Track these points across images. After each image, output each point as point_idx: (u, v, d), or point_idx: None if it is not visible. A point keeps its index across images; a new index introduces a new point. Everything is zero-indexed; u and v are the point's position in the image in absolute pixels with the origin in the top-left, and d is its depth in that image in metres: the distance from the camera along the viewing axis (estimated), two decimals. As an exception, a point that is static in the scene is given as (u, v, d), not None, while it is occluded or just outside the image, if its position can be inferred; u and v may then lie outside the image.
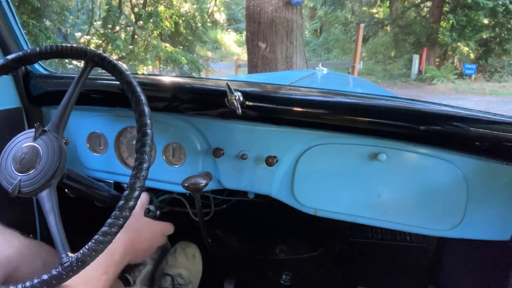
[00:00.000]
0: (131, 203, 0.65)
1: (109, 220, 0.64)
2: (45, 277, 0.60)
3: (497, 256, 0.91)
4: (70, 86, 0.77)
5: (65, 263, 0.61)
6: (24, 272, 0.80)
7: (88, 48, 0.79)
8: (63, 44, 0.80)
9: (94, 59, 0.77)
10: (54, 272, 0.60)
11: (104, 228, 0.63)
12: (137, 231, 0.87)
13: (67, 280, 0.60)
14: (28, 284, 0.59)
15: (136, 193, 0.66)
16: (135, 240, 0.85)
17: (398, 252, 1.32)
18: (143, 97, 0.74)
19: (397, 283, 1.33)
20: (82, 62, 0.80)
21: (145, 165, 0.68)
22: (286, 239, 1.54)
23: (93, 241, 0.62)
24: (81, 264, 0.60)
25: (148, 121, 0.71)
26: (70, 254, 0.62)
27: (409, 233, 1.32)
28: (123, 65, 0.78)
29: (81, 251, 0.61)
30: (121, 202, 0.65)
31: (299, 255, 1.52)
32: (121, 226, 0.64)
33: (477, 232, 0.85)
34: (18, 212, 1.14)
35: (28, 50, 0.80)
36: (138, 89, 0.74)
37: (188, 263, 1.18)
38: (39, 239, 1.22)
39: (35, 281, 0.59)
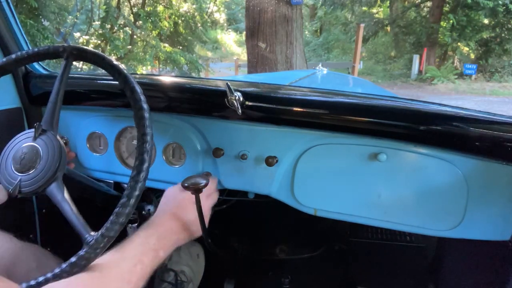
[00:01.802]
0: (143, 173, 0.66)
1: (126, 192, 0.65)
2: (73, 259, 0.59)
3: (497, 256, 0.90)
4: (55, 83, 0.78)
5: (90, 241, 0.61)
6: (18, 273, 0.80)
7: (65, 44, 0.80)
8: (40, 47, 0.80)
9: (72, 52, 0.78)
10: (81, 252, 0.60)
11: (122, 200, 0.64)
12: (178, 204, 0.82)
13: (96, 259, 0.60)
14: (57, 270, 0.59)
15: (146, 155, 0.67)
16: (181, 214, 0.80)
17: (398, 252, 1.32)
18: (128, 75, 0.74)
19: (397, 283, 1.33)
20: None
21: (148, 131, 0.69)
22: (286, 239, 1.54)
23: (114, 214, 0.63)
24: (106, 240, 0.61)
25: (142, 97, 0.72)
26: (93, 233, 0.63)
27: (409, 233, 1.32)
28: (103, 54, 0.79)
29: (104, 227, 0.62)
30: (134, 173, 0.66)
31: (299, 255, 1.52)
32: (138, 197, 0.65)
33: (477, 232, 0.85)
34: (18, 213, 1.14)
35: (4, 59, 0.80)
36: (125, 71, 0.75)
37: (191, 261, 1.19)
38: (39, 240, 1.22)
39: (64, 266, 0.59)
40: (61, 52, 0.78)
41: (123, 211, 0.63)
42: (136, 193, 0.64)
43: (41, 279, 0.58)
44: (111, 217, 0.62)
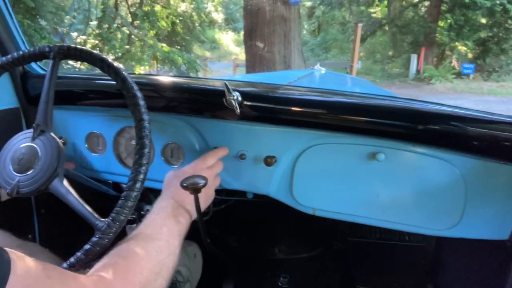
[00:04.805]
0: (144, 167, 0.67)
1: (131, 175, 0.65)
2: (87, 246, 0.60)
3: (495, 255, 0.91)
4: (44, 82, 0.78)
5: (102, 227, 0.62)
6: None
7: (50, 44, 0.80)
8: (26, 49, 0.81)
9: (59, 51, 0.79)
10: (94, 239, 0.61)
11: (129, 183, 0.65)
12: (173, 189, 0.81)
13: (109, 244, 0.61)
14: (72, 259, 0.59)
15: (146, 145, 0.68)
16: (177, 198, 0.80)
17: (397, 252, 1.32)
18: (119, 68, 0.75)
19: (396, 283, 1.34)
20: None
21: (146, 122, 0.69)
22: (284, 239, 1.54)
23: (122, 198, 0.63)
24: (118, 224, 0.62)
25: (134, 86, 0.73)
26: (103, 219, 0.63)
27: (408, 232, 1.32)
28: (90, 50, 0.80)
29: (114, 211, 0.62)
30: (136, 157, 0.67)
31: (297, 255, 1.52)
32: (143, 180, 0.66)
33: (475, 231, 0.85)
34: (17, 213, 1.14)
35: None
36: (115, 64, 0.75)
37: (188, 261, 1.18)
38: (38, 240, 1.21)
39: (78, 254, 0.59)
40: (47, 52, 0.79)
41: (131, 194, 0.64)
42: (141, 176, 0.65)
43: (64, 265, 0.59)
44: (120, 201, 0.63)
